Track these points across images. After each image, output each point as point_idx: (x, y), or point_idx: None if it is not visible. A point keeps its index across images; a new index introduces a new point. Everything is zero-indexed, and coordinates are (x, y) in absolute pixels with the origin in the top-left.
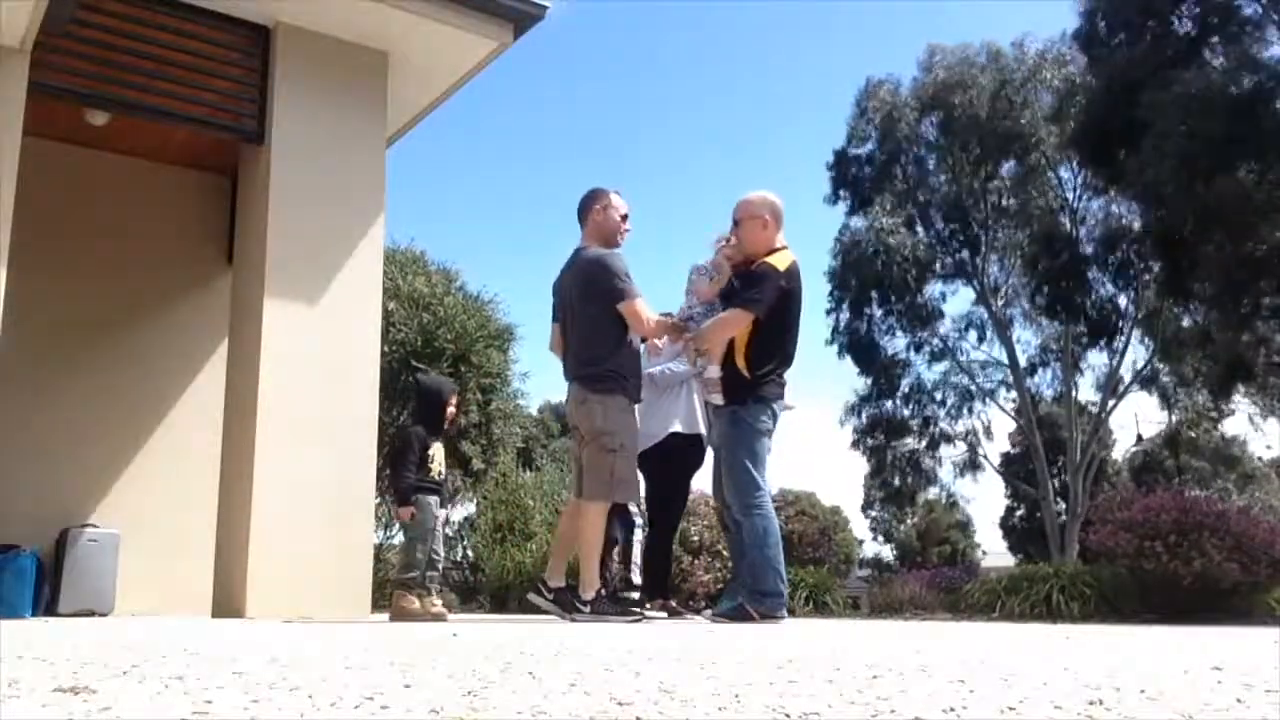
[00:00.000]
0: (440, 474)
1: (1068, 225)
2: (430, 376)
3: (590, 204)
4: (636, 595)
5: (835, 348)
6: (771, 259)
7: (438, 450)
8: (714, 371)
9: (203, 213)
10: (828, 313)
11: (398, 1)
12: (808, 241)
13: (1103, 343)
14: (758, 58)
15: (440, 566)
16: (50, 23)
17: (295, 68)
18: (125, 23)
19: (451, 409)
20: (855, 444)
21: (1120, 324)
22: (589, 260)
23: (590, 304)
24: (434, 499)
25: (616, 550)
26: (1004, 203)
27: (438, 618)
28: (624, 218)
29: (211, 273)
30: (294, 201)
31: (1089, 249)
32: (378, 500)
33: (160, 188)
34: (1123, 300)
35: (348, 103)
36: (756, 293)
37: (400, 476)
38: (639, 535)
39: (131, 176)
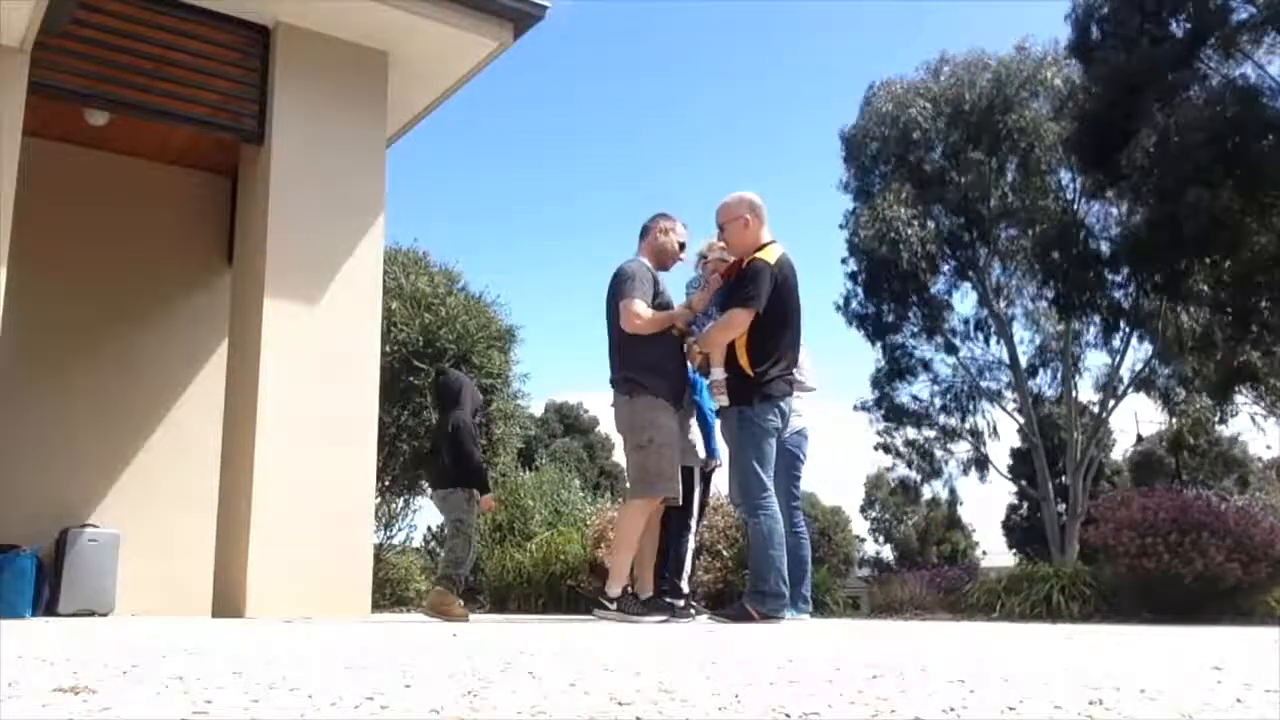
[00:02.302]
0: None
1: (1072, 224)
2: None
3: (654, 223)
4: (682, 602)
5: (844, 317)
6: (761, 254)
7: None
8: (718, 374)
9: (203, 213)
10: (847, 277)
11: (398, 1)
12: (813, 234)
13: (1117, 336)
14: (759, 54)
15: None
16: (50, 23)
17: (295, 68)
18: (125, 23)
19: None
20: (859, 406)
21: (1122, 322)
22: (617, 270)
23: (614, 310)
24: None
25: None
26: (1008, 202)
27: (464, 618)
28: (681, 246)
29: (211, 273)
30: (294, 201)
31: (1093, 247)
32: (378, 500)
33: (160, 188)
34: (1124, 301)
35: (348, 103)
36: (752, 289)
37: (477, 463)
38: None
39: (131, 176)
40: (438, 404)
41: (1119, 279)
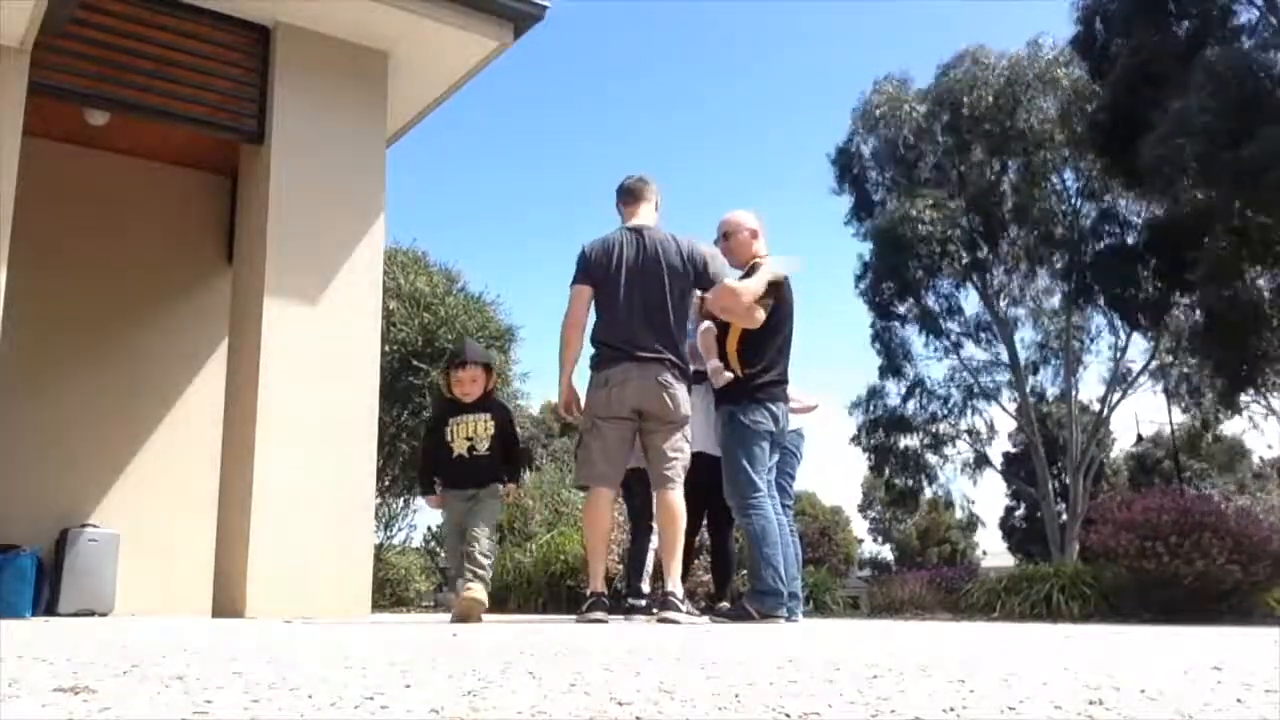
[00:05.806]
0: (459, 453)
1: (1078, 223)
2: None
3: (656, 193)
4: (644, 603)
5: (857, 292)
6: (765, 261)
7: (460, 425)
8: (715, 363)
9: (203, 213)
10: (861, 280)
11: (398, 1)
12: (808, 235)
13: (1123, 334)
14: (758, 55)
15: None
16: (50, 23)
17: (295, 68)
18: (125, 23)
19: (460, 375)
20: (855, 439)
21: (1123, 321)
22: (706, 250)
23: (680, 279)
24: (453, 489)
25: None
26: (1012, 201)
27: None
28: None
29: (211, 273)
30: (294, 201)
31: (1096, 246)
32: (378, 500)
33: (160, 188)
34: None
35: (348, 103)
36: (758, 275)
37: (420, 456)
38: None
39: (131, 176)
40: None
41: (1121, 276)
